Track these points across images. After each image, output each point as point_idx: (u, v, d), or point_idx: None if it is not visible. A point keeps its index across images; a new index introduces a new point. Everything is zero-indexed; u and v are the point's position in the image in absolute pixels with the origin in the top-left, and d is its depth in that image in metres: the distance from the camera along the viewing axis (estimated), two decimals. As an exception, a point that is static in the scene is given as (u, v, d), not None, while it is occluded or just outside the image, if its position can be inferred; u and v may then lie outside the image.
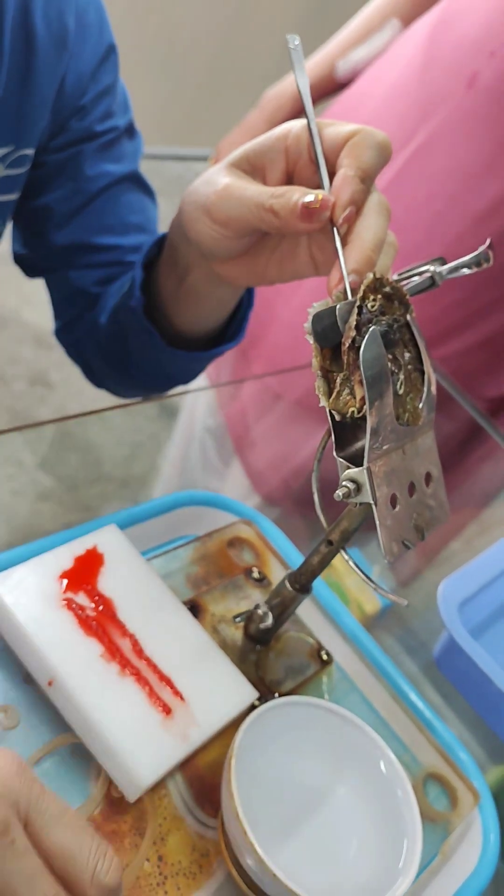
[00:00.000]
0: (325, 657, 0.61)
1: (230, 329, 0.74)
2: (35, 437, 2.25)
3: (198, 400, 1.49)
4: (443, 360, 1.18)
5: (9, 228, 0.81)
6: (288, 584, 0.56)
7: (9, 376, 2.27)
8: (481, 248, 0.55)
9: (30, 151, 0.71)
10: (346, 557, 0.53)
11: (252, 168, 0.56)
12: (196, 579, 0.62)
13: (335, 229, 0.50)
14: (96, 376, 0.88)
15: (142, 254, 0.70)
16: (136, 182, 0.81)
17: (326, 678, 0.61)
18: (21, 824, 0.36)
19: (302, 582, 0.56)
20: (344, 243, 0.50)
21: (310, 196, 0.50)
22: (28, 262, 0.83)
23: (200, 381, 1.48)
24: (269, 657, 0.59)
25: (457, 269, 0.55)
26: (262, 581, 0.64)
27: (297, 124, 0.54)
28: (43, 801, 0.37)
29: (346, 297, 0.48)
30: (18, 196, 0.74)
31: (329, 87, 1.32)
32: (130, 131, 0.80)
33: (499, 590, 0.74)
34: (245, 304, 0.73)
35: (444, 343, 1.17)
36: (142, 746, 0.48)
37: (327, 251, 0.56)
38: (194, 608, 0.59)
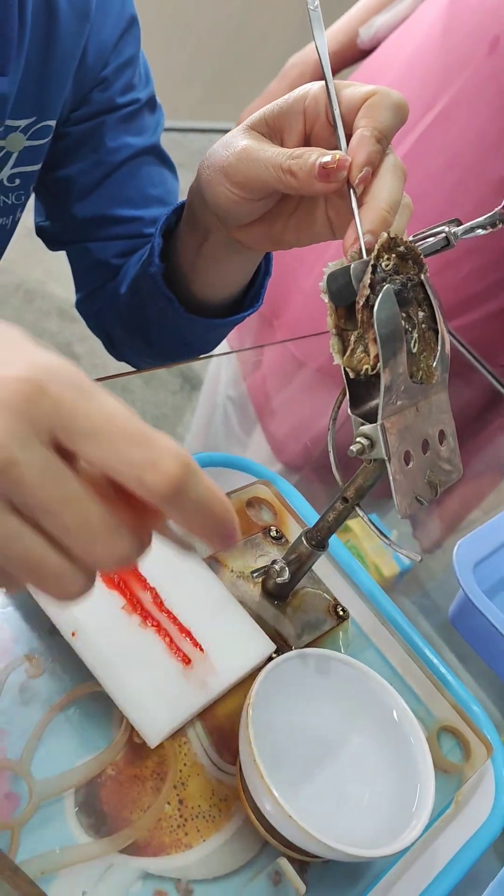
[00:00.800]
0: (341, 613, 0.63)
1: (248, 297, 0.75)
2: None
3: (221, 370, 1.50)
4: (463, 328, 1.18)
5: (32, 201, 0.82)
6: (304, 541, 0.57)
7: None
8: (497, 209, 0.55)
9: (52, 123, 0.72)
10: (361, 514, 0.54)
11: (270, 130, 0.56)
12: (215, 538, 0.64)
13: (351, 190, 0.51)
14: (117, 348, 0.89)
15: (161, 221, 0.71)
16: (157, 155, 0.82)
17: (342, 633, 0.62)
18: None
19: (318, 538, 0.57)
20: (360, 204, 0.51)
21: (327, 156, 0.51)
22: (50, 235, 0.84)
23: (223, 348, 1.49)
24: (286, 612, 0.61)
25: (472, 229, 0.55)
26: (279, 539, 0.65)
27: (315, 86, 0.55)
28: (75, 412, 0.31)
29: (361, 258, 0.48)
30: (40, 167, 0.75)
31: (351, 55, 1.32)
32: (152, 104, 0.81)
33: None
34: (263, 271, 0.74)
35: (465, 312, 1.17)
36: (162, 694, 0.50)
37: (344, 214, 0.57)
38: (213, 565, 0.61)
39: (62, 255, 0.87)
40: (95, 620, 0.51)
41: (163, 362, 0.90)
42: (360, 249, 0.49)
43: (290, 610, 0.61)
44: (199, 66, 3.21)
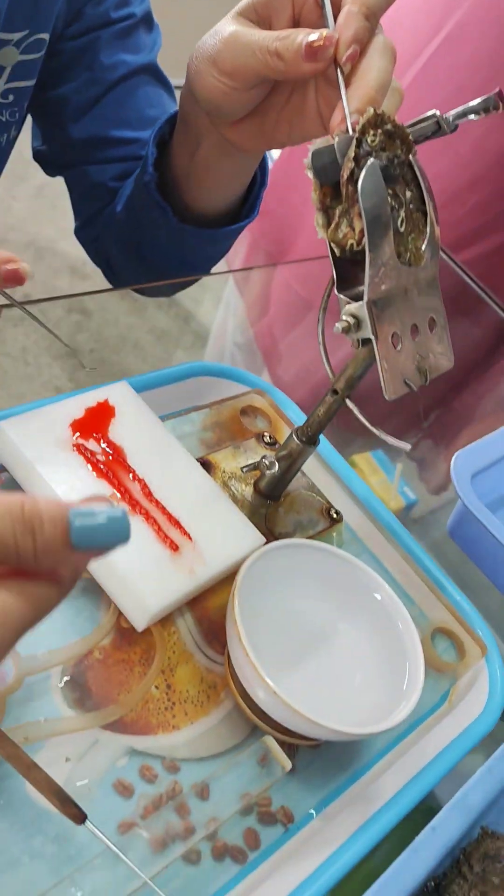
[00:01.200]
0: (335, 515, 0.62)
1: (244, 209, 0.74)
2: (73, 364, 2.28)
3: (228, 317, 1.50)
4: (470, 262, 1.17)
5: (30, 127, 0.82)
6: (295, 437, 0.57)
7: (44, 305, 2.29)
8: (491, 93, 0.54)
9: (45, 36, 0.71)
10: (351, 405, 0.54)
11: (259, 17, 0.55)
12: (209, 443, 0.64)
13: (339, 69, 0.50)
14: (116, 274, 0.88)
15: (154, 130, 0.70)
16: (154, 74, 0.80)
17: (336, 535, 0.62)
18: None
19: (309, 434, 0.56)
20: (347, 84, 0.50)
21: (314, 35, 0.50)
22: (48, 159, 0.84)
23: (233, 296, 1.48)
24: (278, 512, 0.60)
25: (464, 114, 0.54)
26: (273, 445, 0.65)
27: None
28: None
29: (364, 117, 0.47)
30: (34, 84, 0.74)
31: None
32: (148, 21, 0.80)
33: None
34: (259, 182, 0.73)
35: (471, 245, 1.16)
36: (148, 578, 0.50)
37: (335, 105, 0.56)
38: (205, 465, 0.61)
39: (72, 213, 0.86)
40: (83, 508, 0.51)
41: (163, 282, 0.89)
42: (347, 128, 0.48)
43: (283, 510, 0.61)
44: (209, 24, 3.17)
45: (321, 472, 0.67)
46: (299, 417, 0.69)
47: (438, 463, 1.19)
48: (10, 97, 0.73)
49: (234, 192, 0.71)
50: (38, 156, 0.84)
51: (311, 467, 0.67)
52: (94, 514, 0.32)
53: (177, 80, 0.82)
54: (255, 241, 1.41)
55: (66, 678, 0.47)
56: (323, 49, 0.50)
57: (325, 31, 0.50)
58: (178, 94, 0.79)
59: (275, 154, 1.33)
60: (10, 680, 0.46)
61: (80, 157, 0.80)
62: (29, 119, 0.83)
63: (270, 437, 0.65)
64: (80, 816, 0.40)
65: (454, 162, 1.09)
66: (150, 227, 0.74)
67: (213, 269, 0.88)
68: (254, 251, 1.42)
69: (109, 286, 0.92)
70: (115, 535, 0.33)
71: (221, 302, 1.53)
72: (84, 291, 0.93)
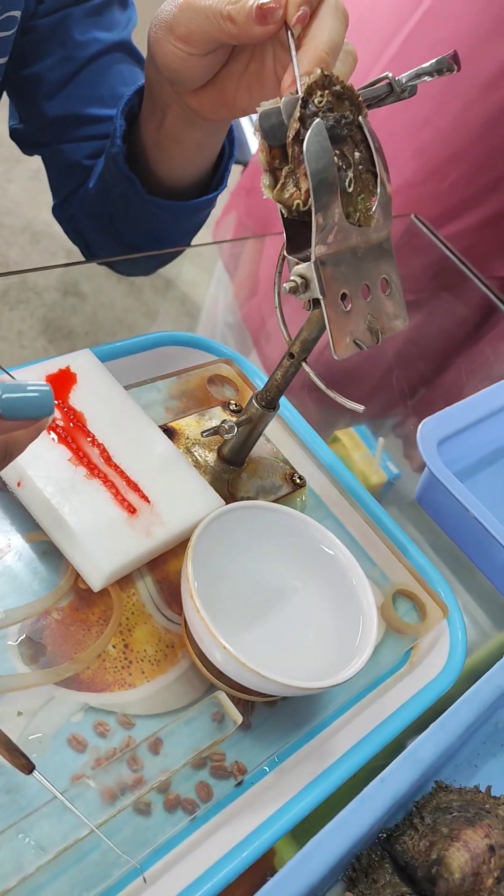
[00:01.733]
0: (298, 480, 0.63)
1: (214, 181, 0.75)
2: (68, 346, 2.29)
3: (219, 297, 1.50)
4: (453, 236, 1.17)
5: (6, 108, 0.82)
6: (255, 402, 0.57)
7: (41, 287, 2.30)
8: (444, 55, 0.54)
9: (16, 13, 0.71)
10: (307, 369, 0.54)
11: None
12: (175, 411, 0.64)
13: (289, 32, 0.50)
14: (93, 251, 0.89)
15: (122, 102, 0.70)
16: (128, 52, 0.81)
17: (299, 500, 0.63)
18: None
19: (268, 399, 0.57)
20: (298, 47, 0.50)
21: None
22: (23, 137, 0.84)
23: (223, 279, 1.49)
24: (241, 477, 0.61)
25: (417, 76, 0.54)
26: (238, 412, 0.65)
27: None
28: None
29: (310, 77, 0.48)
30: (6, 61, 0.75)
31: None
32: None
33: (485, 435, 0.75)
34: (227, 154, 0.73)
35: (454, 219, 1.16)
36: (105, 538, 0.51)
37: (293, 72, 0.56)
38: (169, 432, 0.61)
39: None
40: (41, 471, 0.52)
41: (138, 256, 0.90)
42: (297, 90, 0.48)
43: (246, 475, 0.61)
44: None
45: (286, 439, 0.67)
46: (266, 385, 0.70)
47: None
48: None
49: (202, 163, 0.71)
50: (14, 134, 0.85)
51: (277, 434, 0.67)
52: (23, 387, 0.38)
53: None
54: (241, 221, 1.41)
55: (21, 637, 0.48)
56: (272, 11, 0.50)
57: None
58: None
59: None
60: (-35, 637, 0.47)
61: (55, 136, 0.81)
62: (6, 98, 0.83)
63: (236, 405, 0.66)
64: (27, 766, 0.41)
65: (434, 137, 1.09)
66: (120, 200, 0.74)
67: (200, 242, 0.88)
68: (240, 230, 1.42)
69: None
70: (40, 408, 0.39)
71: (211, 284, 1.54)
72: (62, 263, 0.94)
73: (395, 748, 0.53)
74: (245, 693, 0.50)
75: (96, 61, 0.78)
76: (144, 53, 0.82)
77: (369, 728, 0.53)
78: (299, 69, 0.49)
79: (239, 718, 0.49)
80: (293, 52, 0.50)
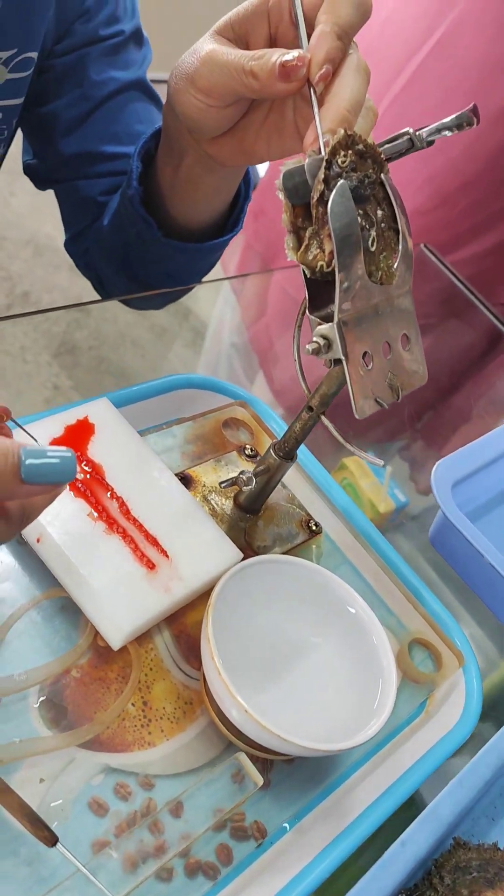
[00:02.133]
0: (314, 527, 0.63)
1: (229, 222, 0.74)
2: (72, 361, 2.28)
3: (225, 317, 1.50)
4: (461, 263, 1.17)
5: (20, 140, 0.82)
6: (273, 452, 0.57)
7: (45, 302, 2.29)
8: (464, 110, 0.54)
9: (33, 55, 0.71)
10: (326, 423, 0.54)
11: (236, 35, 0.55)
12: (191, 456, 0.64)
13: (312, 89, 0.50)
14: (106, 288, 0.89)
15: (139, 144, 0.70)
16: (144, 90, 0.81)
17: (315, 547, 0.63)
18: None
19: (286, 449, 0.57)
20: (321, 104, 0.50)
21: (288, 55, 0.50)
22: (38, 173, 0.84)
23: (230, 298, 1.49)
24: (257, 525, 0.61)
25: (438, 130, 0.54)
26: (254, 457, 0.65)
27: None
28: None
29: (334, 137, 0.48)
30: (23, 101, 0.75)
31: None
32: (138, 38, 0.80)
33: (497, 474, 0.75)
34: (243, 195, 0.73)
35: (462, 247, 1.16)
36: (124, 596, 0.51)
37: (312, 122, 0.56)
38: (185, 480, 0.61)
39: None
40: (60, 527, 0.52)
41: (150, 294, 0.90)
42: (320, 148, 0.48)
43: (262, 523, 0.61)
44: (207, 20, 3.16)
45: (301, 481, 0.67)
46: (282, 429, 0.70)
47: (428, 464, 1.20)
48: None
49: (218, 206, 0.71)
50: (28, 170, 0.85)
51: (292, 477, 0.67)
52: (45, 452, 0.38)
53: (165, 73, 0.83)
54: (248, 244, 1.41)
55: (42, 698, 0.48)
56: (296, 69, 0.50)
57: (298, 52, 0.50)
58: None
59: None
60: (-14, 701, 0.46)
61: (70, 172, 0.81)
62: (20, 131, 0.83)
63: (252, 450, 0.65)
64: (51, 839, 0.41)
65: (446, 165, 1.09)
66: (136, 240, 0.74)
67: (206, 277, 0.88)
68: (248, 253, 1.42)
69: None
70: (61, 474, 0.38)
71: (217, 303, 1.54)
72: (80, 302, 0.94)
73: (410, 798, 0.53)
74: (264, 752, 0.50)
75: (112, 100, 0.78)
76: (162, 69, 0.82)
77: (387, 783, 0.53)
78: (321, 126, 0.49)
79: (260, 781, 0.49)
80: (316, 110, 0.50)
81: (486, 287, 1.19)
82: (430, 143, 0.55)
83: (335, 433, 0.54)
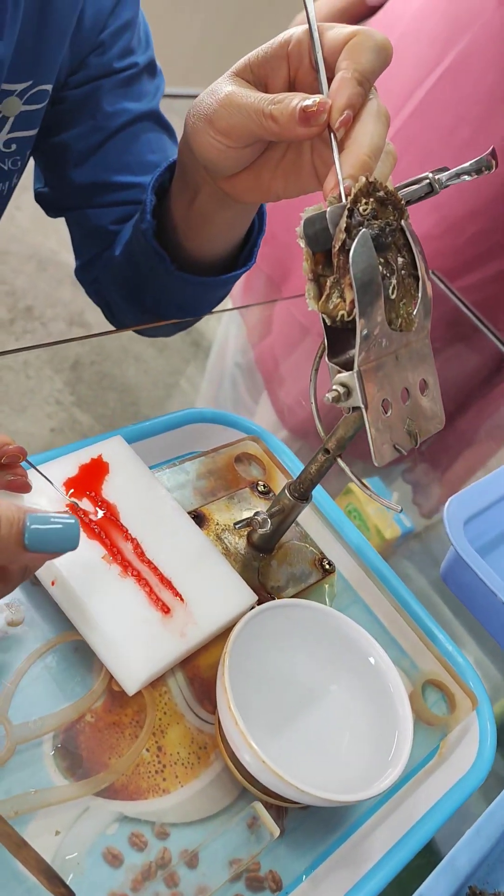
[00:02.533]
0: (327, 566, 0.63)
1: (242, 256, 0.74)
2: (74, 377, 2.28)
3: (229, 336, 1.50)
4: (466, 289, 1.17)
5: (32, 167, 0.82)
6: (287, 493, 0.57)
7: (47, 317, 2.29)
8: (483, 155, 0.54)
9: (48, 87, 0.71)
10: (343, 465, 0.54)
11: (255, 77, 0.55)
12: (203, 492, 0.64)
13: (332, 134, 0.50)
14: (116, 316, 0.89)
15: (153, 178, 0.70)
16: (156, 121, 0.81)
17: (328, 587, 0.62)
18: None
19: (301, 490, 0.57)
20: (341, 149, 0.50)
21: (308, 100, 0.50)
22: (49, 201, 0.84)
23: (235, 317, 1.49)
24: (271, 565, 0.61)
25: (457, 175, 0.54)
26: (267, 494, 0.65)
27: (299, 30, 0.54)
28: None
29: (340, 203, 0.48)
30: (37, 132, 0.74)
31: (359, 12, 1.30)
32: (151, 69, 0.80)
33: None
34: (257, 228, 0.73)
35: (468, 273, 1.16)
36: (140, 642, 0.50)
37: (330, 163, 0.56)
38: (199, 518, 0.61)
39: None
40: (75, 570, 0.51)
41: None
42: (340, 194, 0.48)
43: (276, 563, 0.61)
44: (212, 32, 3.17)
45: (313, 518, 0.67)
46: (294, 464, 0.70)
47: (432, 488, 1.20)
48: (13, 146, 0.73)
49: (231, 240, 0.71)
50: (39, 197, 0.85)
51: (304, 513, 0.67)
52: (49, 519, 0.39)
53: (175, 88, 0.82)
54: (255, 265, 1.41)
55: (57, 745, 0.48)
56: (317, 114, 0.50)
57: (318, 97, 0.50)
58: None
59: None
60: (2, 750, 0.46)
61: (81, 201, 0.80)
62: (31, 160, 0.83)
63: (265, 486, 0.65)
64: (68, 895, 0.41)
65: (453, 192, 1.09)
66: (148, 273, 0.74)
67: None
68: (255, 274, 1.42)
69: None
70: (64, 542, 0.39)
71: (222, 320, 1.54)
72: (92, 333, 0.94)
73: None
74: (279, 800, 0.50)
75: (125, 130, 0.78)
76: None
77: (402, 830, 0.53)
78: (342, 172, 0.49)
79: (277, 832, 0.48)
80: (336, 155, 0.50)
81: (491, 313, 1.19)
82: (447, 186, 0.55)
83: (352, 476, 0.53)
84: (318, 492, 0.69)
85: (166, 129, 0.81)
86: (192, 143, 0.58)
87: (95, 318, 2.53)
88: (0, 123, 0.70)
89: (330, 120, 0.50)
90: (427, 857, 0.54)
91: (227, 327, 1.51)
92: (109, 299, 0.85)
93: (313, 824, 0.51)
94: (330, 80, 0.52)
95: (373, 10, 1.28)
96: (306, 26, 0.53)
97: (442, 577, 0.72)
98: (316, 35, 0.52)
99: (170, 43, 3.04)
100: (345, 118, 0.50)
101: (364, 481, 0.53)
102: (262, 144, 0.57)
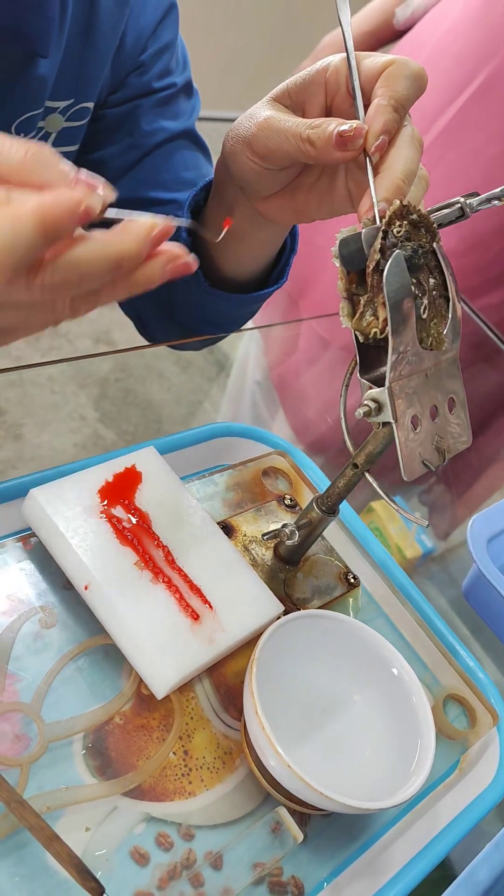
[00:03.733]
0: (352, 580, 0.64)
1: (274, 273, 0.76)
2: (98, 393, 2.30)
3: (249, 354, 1.52)
4: (490, 308, 1.18)
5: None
6: (315, 507, 0.58)
7: (73, 334, 2.33)
8: (513, 182, 0.56)
9: (90, 105, 0.73)
10: (371, 479, 0.55)
11: (293, 102, 0.57)
12: (231, 504, 0.65)
13: (368, 158, 0.52)
14: (147, 330, 0.90)
15: (189, 197, 0.72)
16: (192, 139, 0.83)
17: (353, 600, 0.63)
18: None
19: (329, 504, 0.58)
20: (376, 173, 0.52)
21: (345, 125, 0.52)
22: None
23: (255, 334, 1.50)
24: (297, 577, 0.62)
25: (488, 200, 0.55)
26: (294, 507, 0.66)
27: (336, 58, 0.56)
28: None
29: (374, 224, 0.49)
30: (77, 148, 0.77)
31: (386, 35, 1.32)
32: (188, 89, 0.82)
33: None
34: (289, 248, 0.75)
35: (493, 290, 1.18)
36: (170, 647, 0.52)
37: (363, 186, 0.57)
38: (227, 528, 0.62)
39: None
40: (108, 575, 0.53)
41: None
42: (374, 216, 0.50)
43: (301, 575, 0.62)
44: (245, 55, 3.22)
45: (339, 533, 0.68)
46: (320, 479, 0.71)
47: (448, 509, 1.21)
48: None
49: (264, 259, 0.73)
50: None
51: (330, 528, 0.68)
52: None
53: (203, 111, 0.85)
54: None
55: (87, 745, 0.49)
56: (353, 139, 0.52)
57: (355, 123, 0.52)
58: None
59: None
60: (35, 747, 0.47)
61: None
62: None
63: (291, 500, 0.67)
64: (98, 890, 0.42)
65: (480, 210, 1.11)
66: (182, 289, 0.76)
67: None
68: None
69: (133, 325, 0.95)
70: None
71: (242, 339, 1.55)
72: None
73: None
74: (302, 806, 0.51)
75: (161, 148, 0.80)
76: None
77: (422, 842, 0.53)
78: (377, 195, 0.50)
79: (300, 837, 0.49)
80: (371, 179, 0.51)
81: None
82: (477, 210, 0.57)
83: (381, 492, 0.55)
84: (344, 507, 0.71)
85: (202, 147, 0.83)
86: (229, 165, 0.60)
87: (121, 336, 2.56)
88: (43, 139, 0.72)
89: (366, 144, 0.52)
90: (442, 872, 0.55)
91: (247, 344, 1.53)
92: (142, 313, 0.87)
93: (335, 832, 0.52)
94: (366, 107, 0.54)
95: (400, 34, 1.30)
96: (343, 55, 0.55)
97: (464, 594, 0.73)
98: (353, 63, 0.54)
99: (198, 67, 3.09)
100: (380, 143, 0.51)
101: (390, 497, 0.54)
102: (297, 167, 0.59)
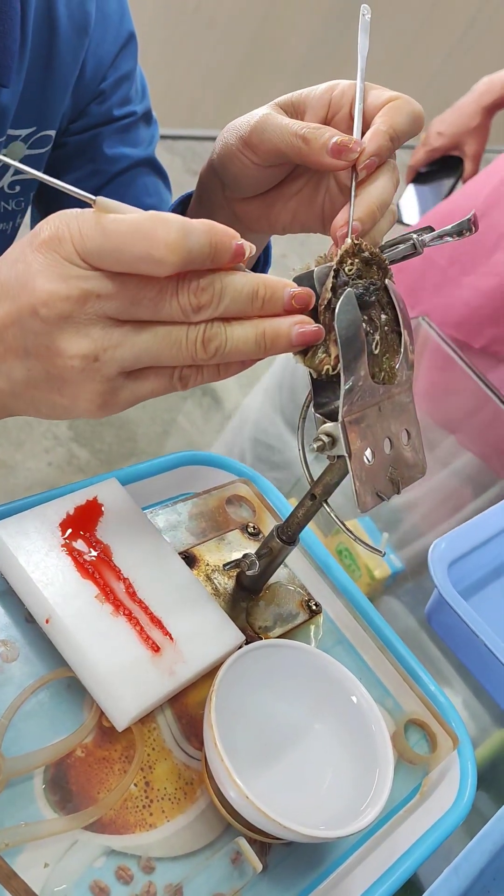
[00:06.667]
0: (314, 607, 0.64)
1: None
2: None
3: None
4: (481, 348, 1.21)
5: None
6: (276, 536, 0.59)
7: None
8: (464, 219, 0.57)
9: (51, 133, 0.75)
10: (329, 510, 0.56)
11: (294, 110, 0.59)
12: (195, 532, 0.66)
13: (354, 174, 0.54)
14: None
15: (169, 208, 0.73)
16: (152, 167, 0.85)
17: (315, 627, 0.64)
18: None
19: (288, 534, 0.59)
20: (356, 194, 0.54)
21: (343, 136, 0.54)
22: None
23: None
24: (259, 605, 0.62)
25: (440, 237, 0.57)
26: (256, 535, 0.67)
27: (345, 81, 0.58)
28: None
29: (330, 260, 0.50)
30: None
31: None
32: (147, 118, 0.84)
33: (491, 552, 0.77)
34: (262, 261, 0.76)
35: (483, 330, 1.20)
36: (130, 679, 0.52)
37: (337, 208, 0.59)
38: (189, 558, 0.63)
39: None
40: (68, 609, 0.53)
41: None
42: (348, 232, 0.51)
43: (264, 603, 0.63)
44: (216, 76, 3.24)
45: (302, 560, 0.69)
46: (283, 506, 0.72)
47: (400, 519, 1.24)
48: (17, 188, 0.77)
49: None
50: None
51: (292, 555, 0.69)
52: None
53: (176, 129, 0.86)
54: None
55: (48, 779, 0.49)
56: (348, 150, 0.53)
57: (353, 137, 0.54)
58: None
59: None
60: (-6, 783, 0.48)
61: None
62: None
63: (254, 528, 0.67)
64: (56, 926, 0.42)
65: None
66: None
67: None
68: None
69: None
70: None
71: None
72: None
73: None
74: (262, 836, 0.51)
75: (123, 175, 0.82)
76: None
77: (383, 866, 0.54)
78: (352, 214, 0.52)
79: (259, 867, 0.50)
80: (353, 194, 0.53)
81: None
82: (429, 246, 0.58)
83: (338, 521, 0.55)
84: (307, 533, 0.71)
85: (161, 175, 0.85)
86: (217, 157, 0.61)
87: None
88: (5, 167, 0.73)
89: (357, 160, 0.53)
90: (408, 894, 0.55)
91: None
92: None
93: (296, 860, 0.53)
94: (363, 132, 0.55)
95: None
96: (353, 82, 0.57)
97: (426, 617, 0.74)
98: (360, 89, 0.56)
99: (172, 87, 3.11)
100: (370, 163, 0.53)
101: (348, 526, 0.55)
102: (284, 169, 0.61)
